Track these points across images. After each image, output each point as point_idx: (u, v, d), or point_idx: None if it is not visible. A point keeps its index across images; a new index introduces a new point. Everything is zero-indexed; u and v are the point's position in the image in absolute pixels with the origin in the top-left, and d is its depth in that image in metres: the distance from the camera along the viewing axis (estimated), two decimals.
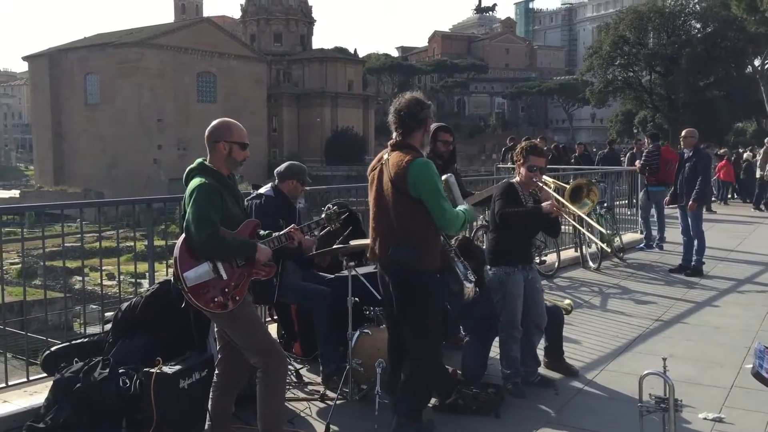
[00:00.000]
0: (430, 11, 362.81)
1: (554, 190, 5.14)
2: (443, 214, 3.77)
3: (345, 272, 4.73)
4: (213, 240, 3.40)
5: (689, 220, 9.44)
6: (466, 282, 4.10)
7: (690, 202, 9.27)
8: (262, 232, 3.74)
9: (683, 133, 9.72)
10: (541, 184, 4.93)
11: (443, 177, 4.29)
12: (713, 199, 18.59)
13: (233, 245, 3.50)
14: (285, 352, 4.61)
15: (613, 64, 49.69)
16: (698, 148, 9.68)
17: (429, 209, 3.77)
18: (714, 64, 46.81)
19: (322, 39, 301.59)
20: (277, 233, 3.73)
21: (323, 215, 4.02)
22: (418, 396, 4.01)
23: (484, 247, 7.81)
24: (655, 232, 11.71)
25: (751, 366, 3.69)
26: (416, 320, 3.92)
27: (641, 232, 11.97)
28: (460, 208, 4.01)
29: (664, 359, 3.86)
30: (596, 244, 9.14)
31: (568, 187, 5.15)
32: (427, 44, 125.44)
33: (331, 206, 4.14)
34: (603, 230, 6.72)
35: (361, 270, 5.05)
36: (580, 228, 7.87)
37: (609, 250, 9.86)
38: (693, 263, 9.34)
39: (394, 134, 3.93)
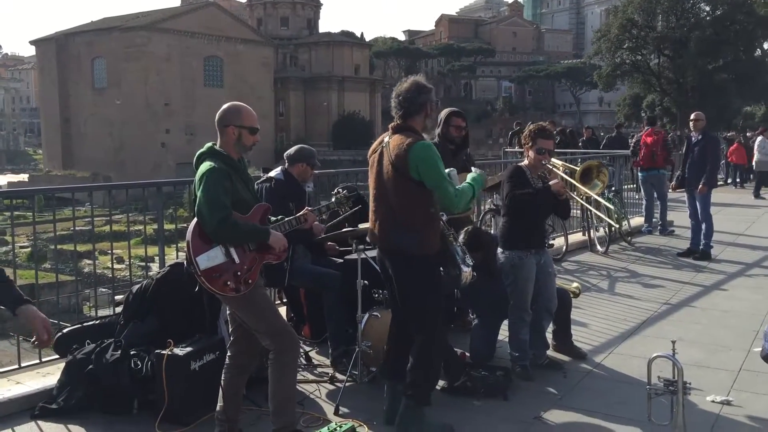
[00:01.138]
0: None
1: (563, 173, 5.14)
2: (450, 195, 3.77)
3: (355, 255, 4.75)
4: (227, 224, 3.41)
5: (698, 204, 9.40)
6: (463, 266, 4.12)
7: (700, 186, 9.24)
8: (272, 218, 3.76)
9: (691, 116, 9.68)
10: (550, 167, 4.92)
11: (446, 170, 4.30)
12: (724, 182, 18.53)
13: (247, 230, 3.52)
14: None
15: (621, 48, 49.25)
16: (706, 132, 9.64)
17: (432, 189, 3.77)
18: (723, 47, 46.37)
19: (328, 23, 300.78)
20: (289, 217, 3.75)
21: (333, 199, 4.03)
22: (425, 377, 4.03)
23: (493, 231, 7.84)
24: (657, 217, 11.67)
25: (760, 349, 3.71)
26: (417, 303, 3.94)
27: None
28: (469, 177, 3.99)
29: (673, 342, 3.87)
30: (608, 222, 9.16)
31: (578, 168, 5.15)
32: (434, 28, 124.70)
33: (340, 190, 4.15)
34: (613, 207, 6.74)
35: (371, 253, 5.06)
36: (591, 208, 7.87)
37: (618, 226, 9.85)
38: (701, 247, 9.33)
39: (395, 118, 3.94)
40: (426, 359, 3.97)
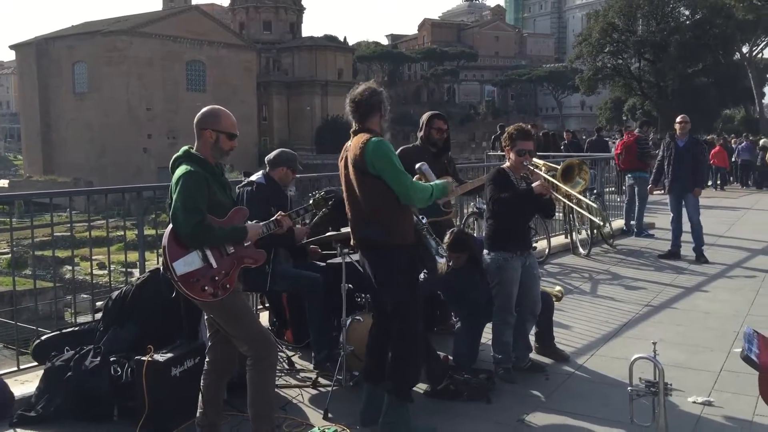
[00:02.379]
0: None
1: (545, 172, 5.16)
2: (404, 188, 3.88)
3: (338, 259, 4.73)
4: (201, 228, 3.39)
5: (688, 207, 9.38)
6: (437, 257, 4.16)
7: (695, 189, 9.35)
8: (250, 223, 3.74)
9: (678, 119, 9.63)
10: (531, 167, 4.94)
11: (416, 165, 4.34)
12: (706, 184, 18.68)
13: (221, 233, 3.49)
14: (277, 340, 4.63)
15: (603, 52, 49.70)
16: (691, 135, 9.69)
17: (390, 185, 3.86)
18: (702, 51, 46.92)
19: (311, 27, 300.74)
20: (265, 221, 3.73)
21: (311, 201, 4.04)
22: (406, 374, 4.03)
23: (476, 234, 7.85)
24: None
25: (740, 350, 3.73)
26: (394, 294, 3.96)
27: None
28: (432, 182, 4.10)
29: (654, 344, 3.90)
30: (592, 222, 9.19)
31: (559, 167, 5.18)
32: (416, 32, 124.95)
33: (318, 191, 4.17)
34: (594, 205, 6.77)
35: (355, 256, 5.05)
36: (574, 207, 7.89)
37: (603, 224, 9.89)
38: (694, 249, 9.32)
39: (354, 122, 4.08)
40: (406, 352, 3.97)
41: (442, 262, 4.20)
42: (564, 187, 4.93)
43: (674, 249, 9.54)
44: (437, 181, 4.17)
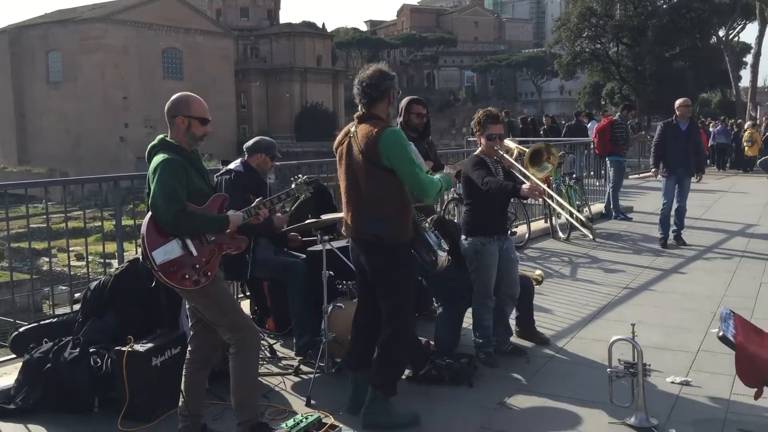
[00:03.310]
0: None
1: (517, 155, 5.17)
2: (419, 182, 3.74)
3: (319, 246, 4.72)
4: (182, 216, 3.36)
5: (682, 191, 9.29)
6: (439, 251, 4.13)
7: (700, 173, 9.50)
8: (231, 212, 3.71)
9: (680, 102, 9.36)
10: (501, 153, 4.95)
11: None
12: None
13: (204, 220, 3.47)
14: (258, 328, 4.62)
15: (581, 36, 49.77)
16: (692, 119, 9.52)
17: (403, 178, 3.74)
18: (679, 34, 47.17)
19: (289, 13, 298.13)
20: (244, 209, 3.70)
21: (292, 185, 3.99)
22: (392, 367, 4.03)
23: (457, 220, 7.87)
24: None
25: (717, 330, 3.79)
26: (391, 292, 3.92)
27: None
28: (437, 175, 3.99)
29: (633, 325, 3.95)
30: (568, 210, 9.23)
31: (527, 152, 5.18)
32: (395, 18, 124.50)
33: (300, 176, 4.12)
34: (574, 211, 6.75)
35: (335, 244, 5.04)
36: (556, 207, 7.93)
37: (577, 214, 9.95)
38: (674, 231, 9.34)
39: (360, 106, 3.90)
40: (394, 349, 3.96)
41: (443, 256, 4.16)
42: (529, 173, 4.92)
43: (667, 235, 9.35)
44: (442, 174, 4.05)
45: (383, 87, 3.82)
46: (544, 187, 4.89)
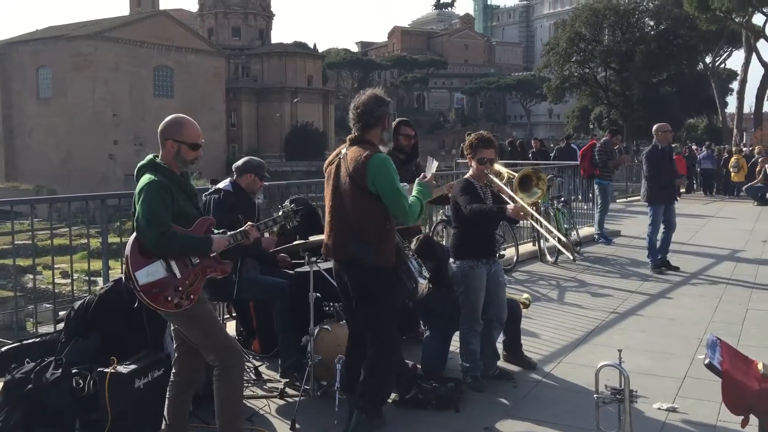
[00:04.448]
0: (389, 6, 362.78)
1: (507, 179, 5.18)
2: (403, 209, 3.79)
3: (306, 268, 4.70)
4: (165, 238, 3.34)
5: (671, 212, 9.36)
6: (420, 278, 4.14)
7: (679, 181, 9.69)
8: (216, 231, 3.69)
9: (664, 127, 9.44)
10: (492, 177, 4.96)
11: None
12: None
13: (186, 242, 3.44)
14: (244, 350, 4.57)
15: (570, 61, 50.30)
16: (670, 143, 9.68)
17: (387, 204, 3.77)
18: (667, 60, 47.76)
19: (281, 33, 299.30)
20: (232, 231, 3.68)
21: (280, 212, 3.98)
22: (377, 391, 4.00)
23: (445, 242, 7.87)
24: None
25: (704, 357, 3.79)
26: (374, 315, 3.91)
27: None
28: (414, 192, 3.97)
29: (620, 351, 3.93)
30: (555, 236, 9.25)
31: (516, 177, 5.20)
32: (386, 39, 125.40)
33: (288, 203, 4.11)
34: (555, 232, 6.76)
35: (323, 265, 5.02)
36: (540, 230, 7.94)
37: (563, 238, 9.95)
38: (660, 257, 9.32)
39: (353, 130, 3.92)
40: (379, 371, 3.94)
41: (423, 283, 4.18)
42: (518, 198, 4.93)
43: (664, 258, 9.35)
44: (418, 187, 3.99)
45: (378, 113, 3.88)
46: (530, 209, 4.90)
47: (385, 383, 4.06)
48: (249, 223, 3.78)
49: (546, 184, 5.19)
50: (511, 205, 4.77)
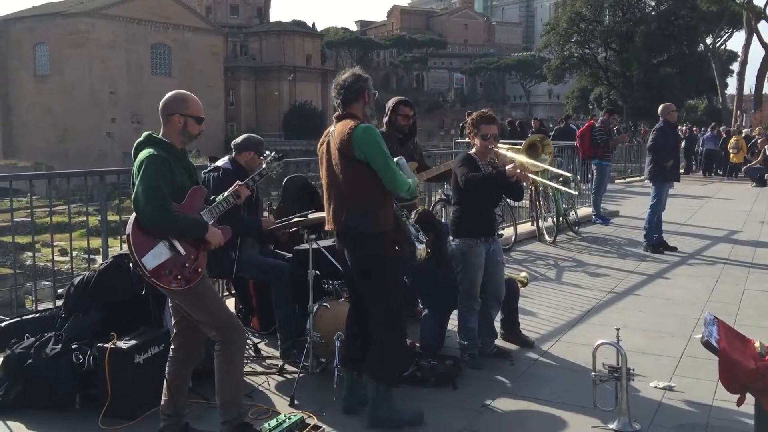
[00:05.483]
0: None
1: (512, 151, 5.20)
2: (392, 173, 3.86)
3: (305, 245, 4.70)
4: (161, 213, 3.33)
5: (665, 195, 9.41)
6: (417, 243, 4.17)
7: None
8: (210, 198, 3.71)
9: (669, 106, 9.51)
10: (497, 150, 4.97)
11: (395, 159, 4.30)
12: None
13: (184, 223, 3.44)
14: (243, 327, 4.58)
15: (570, 41, 50.10)
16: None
17: (376, 170, 3.84)
18: (667, 41, 47.59)
19: (279, 12, 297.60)
20: (223, 194, 3.69)
21: (263, 165, 4.01)
22: (394, 358, 4.04)
23: (444, 220, 7.87)
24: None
25: (701, 335, 3.81)
26: (377, 284, 3.95)
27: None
28: (408, 180, 4.06)
29: (617, 330, 3.96)
30: (558, 210, 9.31)
31: (522, 145, 5.24)
32: (386, 19, 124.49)
33: (268, 152, 4.17)
34: (560, 188, 6.85)
35: (322, 243, 5.03)
36: (550, 184, 7.98)
37: (576, 193, 9.89)
38: (657, 236, 9.33)
39: (337, 107, 4.05)
40: (391, 338, 3.97)
41: (421, 248, 4.21)
42: (530, 161, 4.97)
43: (660, 237, 9.38)
44: (411, 180, 4.10)
45: (355, 88, 4.00)
46: (527, 158, 4.98)
47: (400, 349, 4.11)
48: (237, 182, 3.79)
49: (551, 148, 5.28)
50: (510, 165, 4.77)
